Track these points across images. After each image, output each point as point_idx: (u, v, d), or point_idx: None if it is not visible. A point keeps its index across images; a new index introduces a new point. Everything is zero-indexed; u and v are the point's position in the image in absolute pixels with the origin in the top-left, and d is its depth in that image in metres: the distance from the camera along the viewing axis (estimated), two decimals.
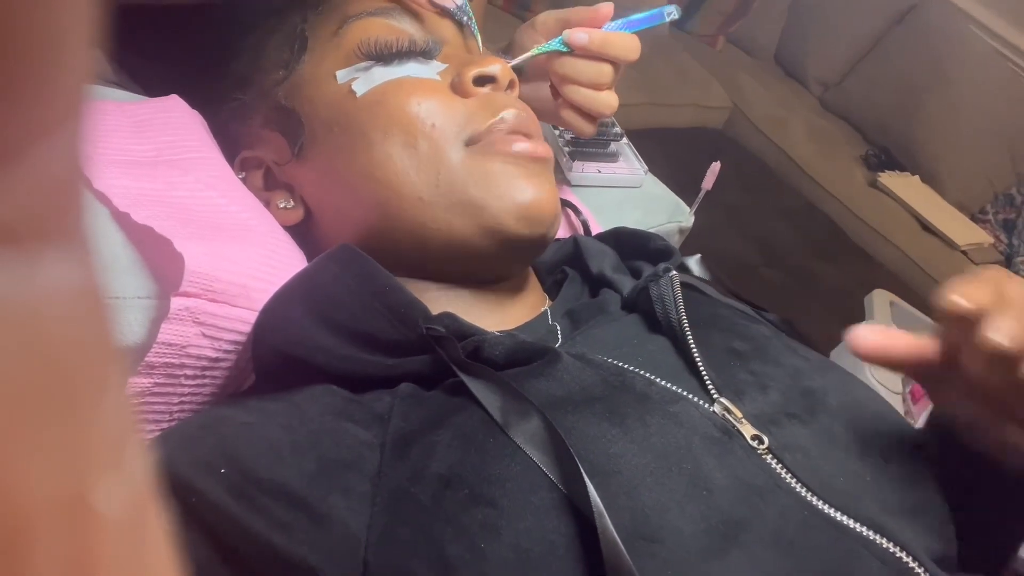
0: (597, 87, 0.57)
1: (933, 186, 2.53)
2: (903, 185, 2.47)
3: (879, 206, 2.44)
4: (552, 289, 0.58)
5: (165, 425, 0.43)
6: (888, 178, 2.47)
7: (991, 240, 2.43)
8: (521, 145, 0.48)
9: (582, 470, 0.33)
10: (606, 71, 0.57)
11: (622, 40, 0.56)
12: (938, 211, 2.43)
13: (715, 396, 0.41)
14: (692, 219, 0.81)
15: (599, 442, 0.36)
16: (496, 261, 0.49)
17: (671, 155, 1.75)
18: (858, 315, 1.18)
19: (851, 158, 2.60)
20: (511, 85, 0.52)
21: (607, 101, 0.58)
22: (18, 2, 0.08)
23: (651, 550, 0.32)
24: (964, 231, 2.39)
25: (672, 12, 0.58)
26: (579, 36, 0.56)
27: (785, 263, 2.28)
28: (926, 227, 2.38)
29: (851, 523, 0.36)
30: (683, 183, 0.87)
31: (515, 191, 0.47)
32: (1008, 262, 2.39)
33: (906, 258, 2.35)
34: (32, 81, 0.09)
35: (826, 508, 0.37)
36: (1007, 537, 0.44)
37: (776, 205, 2.51)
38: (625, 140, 0.81)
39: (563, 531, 0.32)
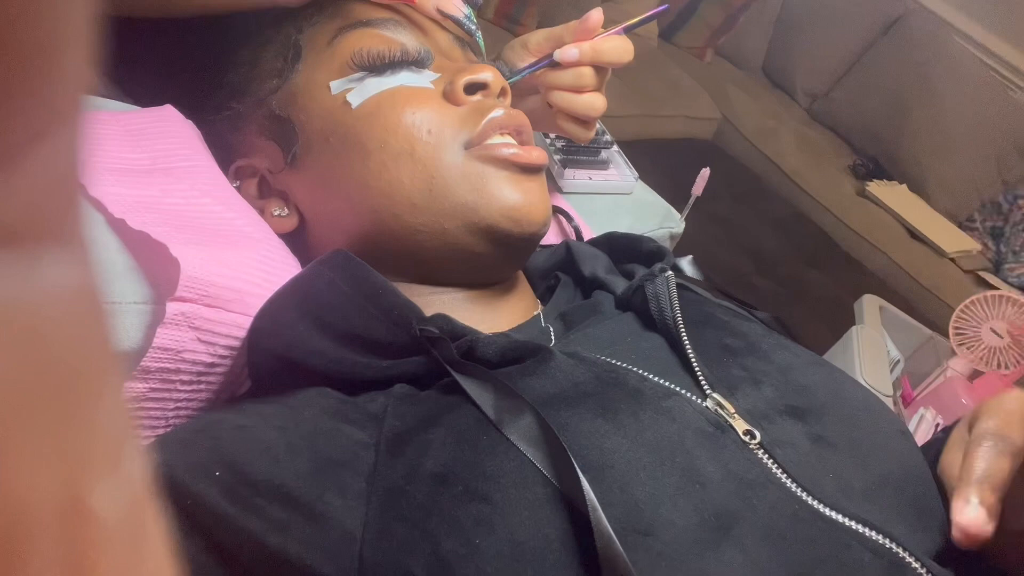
0: (578, 90, 0.58)
1: (921, 195, 2.56)
2: (891, 194, 2.50)
3: (868, 215, 2.46)
4: (545, 295, 0.58)
5: (161, 431, 0.43)
6: (876, 187, 2.50)
7: (979, 247, 2.45)
8: (513, 150, 0.49)
9: (575, 465, 0.33)
10: (585, 73, 0.58)
11: (613, 45, 0.57)
12: (926, 219, 2.45)
13: (708, 392, 0.42)
14: (683, 225, 0.82)
15: (592, 437, 0.36)
16: (488, 261, 0.50)
17: (662, 165, 1.77)
18: (849, 322, 1.19)
19: (839, 168, 2.62)
20: (503, 92, 0.53)
21: (590, 103, 0.59)
22: (17, 3, 0.08)
23: (645, 543, 0.33)
24: (952, 238, 2.42)
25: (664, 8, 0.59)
26: (570, 53, 0.57)
27: (776, 272, 2.30)
28: (915, 235, 2.40)
29: (841, 518, 0.36)
30: (674, 193, 0.88)
31: (506, 194, 0.48)
32: (997, 269, 2.42)
33: (895, 266, 2.37)
34: (31, 82, 0.09)
35: (815, 503, 0.37)
36: None
37: (766, 215, 2.53)
38: (615, 148, 0.82)
39: (557, 525, 0.33)
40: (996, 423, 0.36)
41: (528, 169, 0.49)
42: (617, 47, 0.57)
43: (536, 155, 0.50)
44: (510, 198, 0.48)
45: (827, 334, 1.28)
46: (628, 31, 0.58)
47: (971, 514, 0.33)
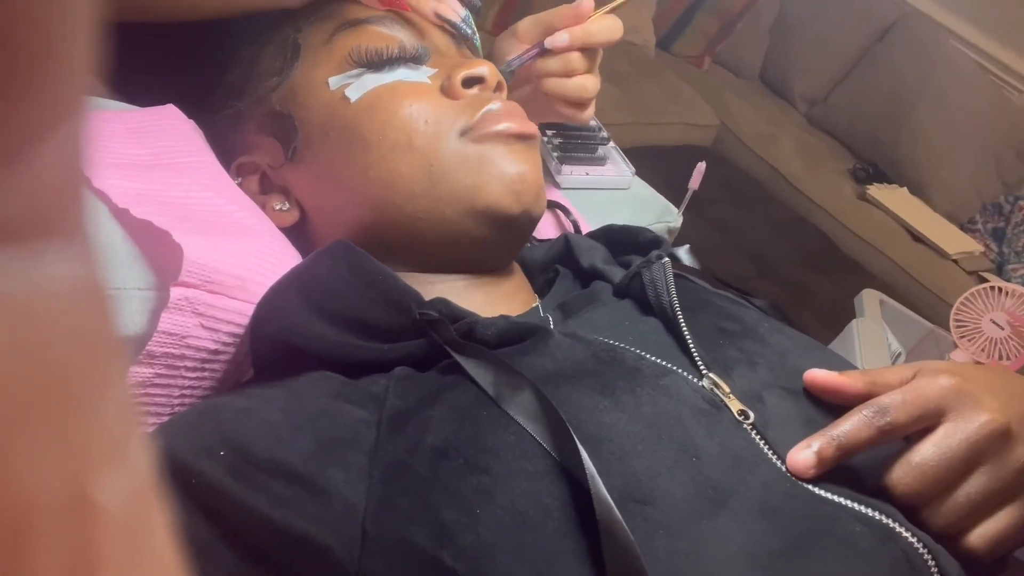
0: (568, 74, 0.59)
1: (921, 197, 2.56)
2: (892, 197, 2.50)
3: (869, 218, 2.46)
4: (544, 288, 0.59)
5: (165, 419, 0.43)
6: (877, 190, 2.50)
7: (981, 249, 2.45)
8: (507, 124, 0.50)
9: (574, 436, 0.34)
10: (573, 58, 0.59)
11: (602, 25, 0.58)
12: (928, 221, 2.45)
13: (704, 372, 0.42)
14: (680, 219, 0.82)
15: (591, 412, 0.37)
16: (487, 244, 0.50)
17: (661, 171, 1.77)
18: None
19: (839, 172, 2.63)
20: (499, 87, 0.53)
21: (581, 84, 0.60)
22: (19, 4, 0.08)
23: (643, 512, 0.33)
24: (954, 240, 2.41)
25: None
26: (560, 39, 0.58)
27: (778, 275, 2.30)
28: (916, 237, 2.40)
29: (830, 495, 0.37)
30: (674, 198, 0.89)
31: (505, 167, 0.49)
32: (999, 270, 2.41)
33: (898, 268, 2.36)
34: (33, 79, 0.09)
35: (804, 482, 0.37)
36: None
37: (768, 219, 2.53)
38: (612, 144, 0.83)
39: (557, 495, 0.33)
40: (900, 399, 0.38)
41: (523, 137, 0.50)
42: (607, 26, 0.58)
43: (530, 126, 0.51)
44: (509, 170, 0.49)
45: (830, 336, 1.28)
46: (614, 11, 0.59)
47: (801, 457, 0.37)
